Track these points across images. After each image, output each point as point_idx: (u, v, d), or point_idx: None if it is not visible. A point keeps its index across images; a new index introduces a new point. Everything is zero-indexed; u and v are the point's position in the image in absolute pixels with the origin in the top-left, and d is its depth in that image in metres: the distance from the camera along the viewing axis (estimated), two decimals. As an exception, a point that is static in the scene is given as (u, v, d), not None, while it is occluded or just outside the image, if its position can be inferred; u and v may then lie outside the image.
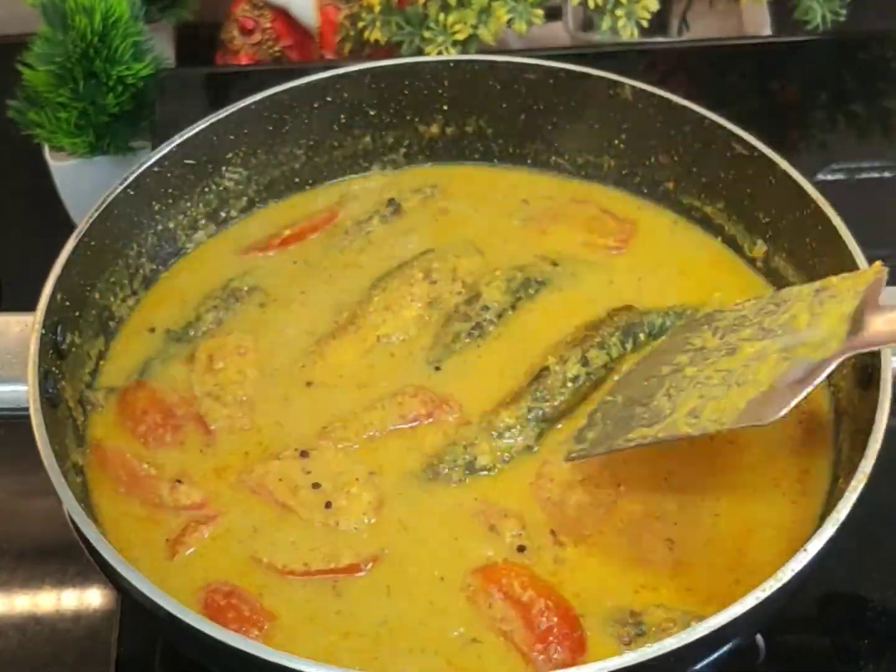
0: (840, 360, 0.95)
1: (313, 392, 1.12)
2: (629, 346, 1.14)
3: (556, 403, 1.09)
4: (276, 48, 1.69)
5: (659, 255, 1.25)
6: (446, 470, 1.05)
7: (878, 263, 1.03)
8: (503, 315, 1.17)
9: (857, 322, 0.96)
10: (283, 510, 1.03)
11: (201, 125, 1.23)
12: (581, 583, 0.98)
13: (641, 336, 1.15)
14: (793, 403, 0.94)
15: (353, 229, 1.27)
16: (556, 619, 0.94)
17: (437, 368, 1.14)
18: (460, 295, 1.19)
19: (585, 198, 1.31)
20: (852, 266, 1.06)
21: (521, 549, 1.00)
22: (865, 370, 1.03)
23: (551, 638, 0.93)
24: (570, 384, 1.10)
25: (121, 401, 1.12)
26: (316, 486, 1.04)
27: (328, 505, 1.02)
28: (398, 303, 1.17)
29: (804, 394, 0.94)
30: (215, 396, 1.11)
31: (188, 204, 1.25)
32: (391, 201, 1.29)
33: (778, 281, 1.19)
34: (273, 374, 1.14)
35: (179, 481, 1.05)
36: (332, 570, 0.99)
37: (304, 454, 1.06)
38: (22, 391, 1.01)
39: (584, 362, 1.11)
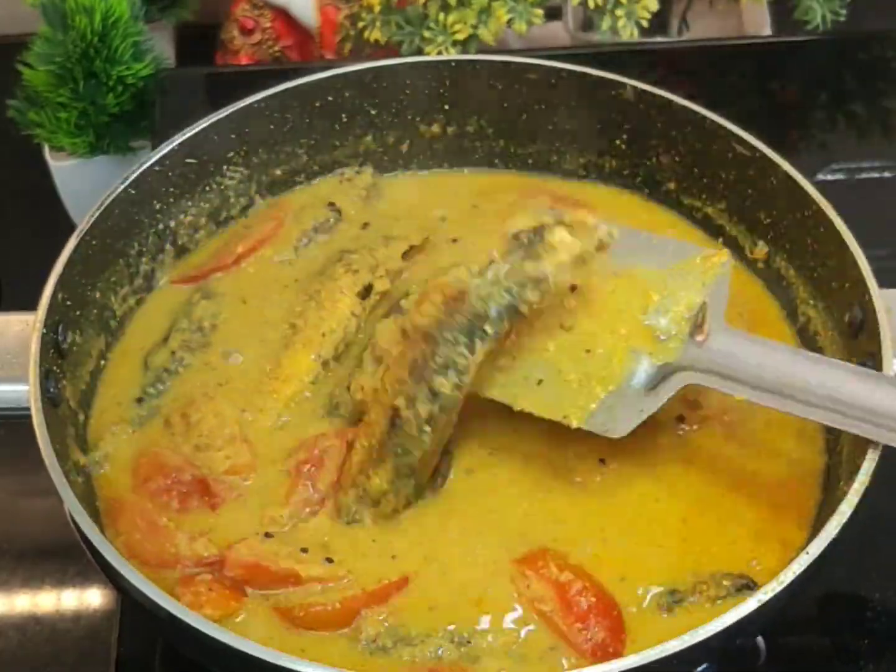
0: (676, 391, 1.01)
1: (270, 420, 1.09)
2: (478, 346, 0.98)
3: (420, 454, 0.99)
4: (276, 48, 1.69)
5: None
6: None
7: (722, 252, 1.10)
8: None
9: (699, 328, 1.03)
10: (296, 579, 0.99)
11: (202, 124, 1.22)
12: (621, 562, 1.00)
13: (489, 329, 0.98)
14: (637, 423, 1.00)
15: (298, 238, 1.25)
16: (594, 600, 0.96)
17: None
18: (383, 279, 1.18)
19: (536, 188, 1.31)
20: (854, 267, 1.06)
21: None
22: (866, 364, 1.03)
23: (591, 618, 0.95)
24: (426, 427, 0.98)
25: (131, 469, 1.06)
26: (304, 550, 0.99)
27: (329, 560, 0.99)
28: (329, 299, 1.16)
29: (646, 415, 1.01)
30: (205, 446, 1.06)
31: (189, 203, 1.25)
32: (331, 205, 1.28)
33: (779, 282, 1.19)
34: (243, 403, 1.10)
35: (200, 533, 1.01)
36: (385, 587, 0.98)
37: (268, 535, 1.00)
38: (23, 391, 1.01)
39: (433, 396, 0.97)
